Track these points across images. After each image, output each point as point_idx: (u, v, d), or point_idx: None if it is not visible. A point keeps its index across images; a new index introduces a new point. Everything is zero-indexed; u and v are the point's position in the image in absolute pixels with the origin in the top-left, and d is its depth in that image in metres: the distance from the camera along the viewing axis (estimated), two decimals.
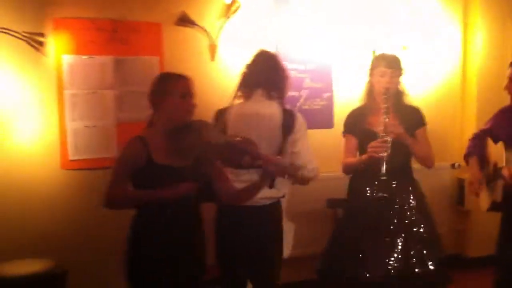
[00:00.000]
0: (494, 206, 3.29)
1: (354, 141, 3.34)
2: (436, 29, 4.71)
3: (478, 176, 3.33)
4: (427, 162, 3.31)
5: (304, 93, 4.21)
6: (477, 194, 3.38)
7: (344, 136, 3.43)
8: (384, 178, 3.05)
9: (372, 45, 4.41)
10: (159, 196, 2.46)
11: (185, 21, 3.82)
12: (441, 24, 4.74)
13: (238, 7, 3.94)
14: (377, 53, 4.38)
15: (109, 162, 3.61)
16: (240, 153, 2.54)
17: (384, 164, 3.04)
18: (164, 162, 2.49)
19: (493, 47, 4.80)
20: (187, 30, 3.87)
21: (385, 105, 3.14)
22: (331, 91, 4.34)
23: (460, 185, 4.78)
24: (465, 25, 4.83)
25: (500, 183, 3.19)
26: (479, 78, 4.78)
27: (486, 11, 4.75)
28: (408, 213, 3.21)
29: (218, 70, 3.96)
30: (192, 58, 3.89)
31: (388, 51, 4.34)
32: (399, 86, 3.32)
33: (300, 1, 4.18)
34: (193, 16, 3.85)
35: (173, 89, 2.53)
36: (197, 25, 3.85)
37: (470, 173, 3.43)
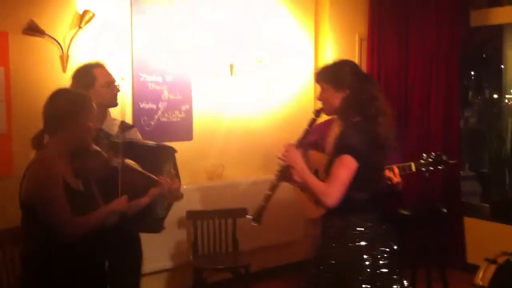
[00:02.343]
0: None
1: None
2: (290, 43, 4.93)
3: None
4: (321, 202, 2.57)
5: (162, 105, 4.17)
6: None
7: None
8: None
9: (230, 58, 4.51)
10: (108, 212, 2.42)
11: (33, 30, 3.62)
12: (295, 38, 4.97)
13: (91, 17, 3.81)
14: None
15: None
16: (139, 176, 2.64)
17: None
18: (76, 186, 2.38)
19: (341, 57, 5.04)
20: (37, 40, 3.67)
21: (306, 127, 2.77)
22: (190, 103, 4.35)
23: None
24: (316, 40, 5.12)
25: None
26: None
27: (335, 26, 5.08)
28: None
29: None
30: (42, 69, 3.69)
31: (244, 64, 4.54)
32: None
33: (158, 12, 4.15)
34: (42, 25, 3.65)
35: (87, 110, 2.42)
36: (47, 34, 3.67)
37: None
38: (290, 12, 4.93)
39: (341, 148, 2.51)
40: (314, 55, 5.12)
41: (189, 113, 4.34)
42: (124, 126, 3.15)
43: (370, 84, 2.66)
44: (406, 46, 5.22)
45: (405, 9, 5.18)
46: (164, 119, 4.19)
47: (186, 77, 4.32)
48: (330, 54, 5.07)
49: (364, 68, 5.18)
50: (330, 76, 2.63)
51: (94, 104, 2.47)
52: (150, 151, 2.89)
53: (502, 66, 5.73)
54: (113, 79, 3.07)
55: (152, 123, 4.12)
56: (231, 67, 4.53)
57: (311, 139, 3.49)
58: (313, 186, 2.54)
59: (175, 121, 4.25)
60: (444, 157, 3.15)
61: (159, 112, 4.16)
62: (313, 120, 2.77)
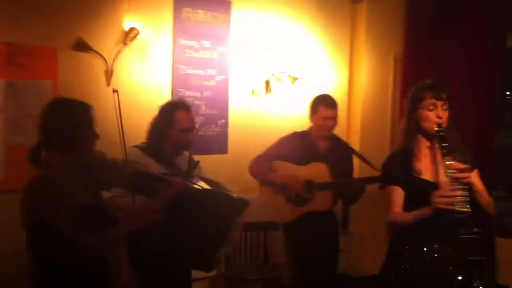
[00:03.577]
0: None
1: (401, 193, 2.67)
2: (325, 61, 5.04)
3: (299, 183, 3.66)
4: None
5: (199, 119, 4.33)
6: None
7: (389, 187, 2.69)
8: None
9: (265, 76, 4.63)
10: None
11: (81, 46, 3.83)
12: (330, 57, 5.08)
13: (136, 34, 4.00)
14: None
15: None
16: (157, 181, 2.59)
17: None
18: (88, 200, 2.26)
19: (376, 75, 5.20)
20: (84, 55, 3.88)
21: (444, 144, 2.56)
22: (226, 118, 4.49)
23: (345, 209, 5.09)
24: (352, 58, 5.20)
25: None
26: (363, 104, 5.17)
27: (371, 45, 5.16)
28: None
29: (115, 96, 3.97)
30: (88, 83, 3.89)
31: (281, 82, 4.66)
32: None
33: (198, 30, 4.32)
34: (90, 41, 3.86)
35: (86, 121, 2.30)
36: (93, 50, 3.87)
37: (290, 184, 3.67)
38: (325, 30, 5.04)
39: (474, 163, 2.68)
40: (349, 73, 5.21)
41: (225, 127, 4.48)
42: (191, 162, 3.18)
43: None
44: (442, 66, 5.23)
45: (442, 30, 5.20)
46: (201, 133, 4.34)
47: (223, 92, 4.47)
48: (365, 73, 5.15)
49: (398, 88, 5.24)
50: (452, 96, 2.68)
51: (94, 113, 2.36)
52: (226, 201, 2.93)
53: None
54: (192, 125, 3.11)
55: None
56: (267, 84, 4.66)
57: (282, 152, 3.78)
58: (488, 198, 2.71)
59: (211, 135, 4.41)
60: None
61: (196, 126, 4.30)
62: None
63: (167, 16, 4.20)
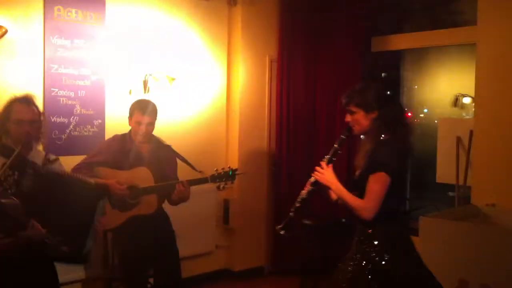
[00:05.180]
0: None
1: None
2: (204, 62, 5.16)
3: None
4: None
5: (74, 119, 4.28)
6: None
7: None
8: None
9: (143, 75, 4.66)
10: None
11: None
12: (209, 58, 5.20)
13: (4, 32, 3.88)
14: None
15: None
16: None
17: None
18: None
19: (253, 77, 5.42)
20: None
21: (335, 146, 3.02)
22: (103, 118, 4.46)
23: (226, 205, 5.24)
24: (229, 59, 5.36)
25: None
26: (241, 103, 5.34)
27: (247, 47, 5.35)
28: None
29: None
30: None
31: (159, 82, 4.70)
32: None
33: (71, 29, 4.26)
34: None
35: None
36: None
37: (114, 190, 3.69)
38: (204, 31, 5.14)
39: (375, 166, 2.75)
40: (227, 74, 5.36)
41: (101, 127, 4.45)
42: (48, 159, 3.19)
43: (394, 104, 2.94)
44: (313, 68, 5.56)
45: (313, 34, 5.53)
46: (76, 133, 4.28)
47: (99, 92, 4.43)
48: (242, 73, 5.32)
49: (274, 88, 5.49)
50: (361, 101, 2.85)
51: None
52: (85, 187, 3.07)
53: (416, 87, 6.15)
54: (27, 117, 3.06)
55: (63, 136, 4.21)
56: (145, 83, 4.69)
57: (100, 159, 3.83)
58: (351, 202, 2.80)
59: (87, 135, 4.36)
60: (237, 171, 3.93)
61: (71, 126, 4.25)
62: (343, 140, 2.97)
63: (37, 15, 4.10)
